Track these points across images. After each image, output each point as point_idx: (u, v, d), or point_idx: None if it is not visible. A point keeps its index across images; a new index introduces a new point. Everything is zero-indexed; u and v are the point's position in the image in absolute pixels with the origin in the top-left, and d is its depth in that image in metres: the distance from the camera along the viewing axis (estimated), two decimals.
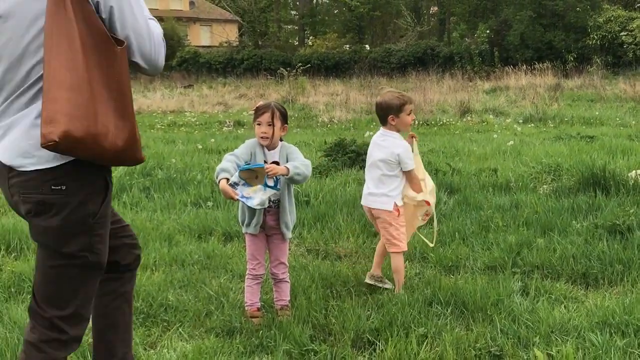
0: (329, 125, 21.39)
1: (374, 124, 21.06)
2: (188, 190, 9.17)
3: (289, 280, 5.31)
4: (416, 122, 20.31)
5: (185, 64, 53.64)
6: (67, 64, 2.92)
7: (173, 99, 32.71)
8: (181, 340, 4.85)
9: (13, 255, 6.55)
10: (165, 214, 8.18)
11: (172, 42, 55.07)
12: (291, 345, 4.59)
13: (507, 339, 4.57)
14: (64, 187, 3.07)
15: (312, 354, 4.54)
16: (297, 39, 64.40)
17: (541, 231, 6.86)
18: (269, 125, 4.93)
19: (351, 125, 21.10)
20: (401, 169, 5.51)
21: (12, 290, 5.67)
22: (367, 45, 56.83)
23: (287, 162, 5.00)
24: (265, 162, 4.94)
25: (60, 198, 3.08)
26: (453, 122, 20.60)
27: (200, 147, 13.44)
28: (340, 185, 9.36)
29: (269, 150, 5.02)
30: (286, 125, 5.02)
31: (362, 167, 10.30)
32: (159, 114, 26.36)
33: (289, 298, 5.28)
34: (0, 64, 3.09)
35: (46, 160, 3.04)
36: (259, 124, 4.95)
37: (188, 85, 41.49)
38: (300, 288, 5.54)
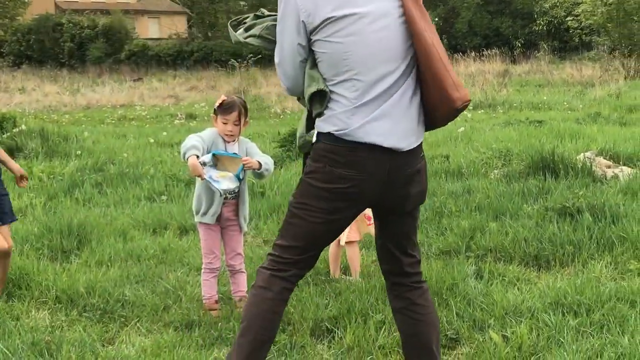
0: (281, 116, 21.40)
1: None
2: (141, 184, 9.11)
3: (245, 271, 5.33)
4: None
5: (134, 57, 53.02)
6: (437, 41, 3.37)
7: (122, 92, 32.42)
8: (139, 335, 4.84)
9: None
10: (118, 209, 8.12)
11: (120, 35, 54.60)
12: None
13: (463, 322, 4.64)
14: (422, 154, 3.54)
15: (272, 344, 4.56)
16: None
17: (493, 215, 6.95)
18: (236, 124, 4.96)
19: None
20: None
21: None
22: None
23: (246, 155, 5.03)
24: (235, 153, 4.97)
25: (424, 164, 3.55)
26: None
27: (152, 140, 13.36)
28: (295, 175, 9.36)
29: (228, 142, 5.04)
30: (247, 120, 5.06)
31: None
32: (109, 108, 26.13)
33: (246, 289, 5.29)
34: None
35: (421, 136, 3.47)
36: (225, 123, 4.95)
37: (137, 79, 41.09)
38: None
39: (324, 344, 4.57)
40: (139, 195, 8.68)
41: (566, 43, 41.72)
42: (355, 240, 5.65)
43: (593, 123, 13.94)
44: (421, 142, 3.47)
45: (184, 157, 4.81)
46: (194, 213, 5.17)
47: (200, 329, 4.84)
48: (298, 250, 3.53)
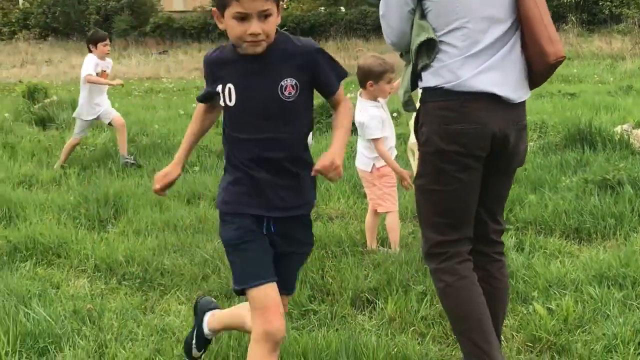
0: None
1: (353, 86, 20.99)
2: (173, 155, 9.06)
3: None
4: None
5: (158, 30, 52.86)
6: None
7: (149, 65, 32.46)
8: (179, 303, 4.84)
9: (2, 223, 6.49)
10: (152, 180, 8.10)
11: (145, 7, 54.46)
12: (291, 306, 4.59)
13: None
14: None
15: (312, 313, 4.55)
16: None
17: (532, 188, 6.86)
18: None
19: None
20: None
21: (5, 258, 5.62)
22: (342, 8, 56.40)
23: None
24: None
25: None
26: None
27: (182, 112, 13.34)
28: (326, 147, 9.29)
29: None
30: None
31: None
32: (136, 80, 26.12)
33: None
34: None
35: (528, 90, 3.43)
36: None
37: (163, 51, 41.12)
38: None
39: (364, 315, 4.55)
40: None
41: (595, 15, 41.08)
42: (393, 211, 5.61)
43: (625, 96, 13.74)
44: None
45: None
46: None
47: (239, 299, 4.81)
48: (452, 228, 3.45)
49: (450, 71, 3.27)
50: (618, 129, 8.67)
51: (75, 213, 6.67)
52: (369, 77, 5.46)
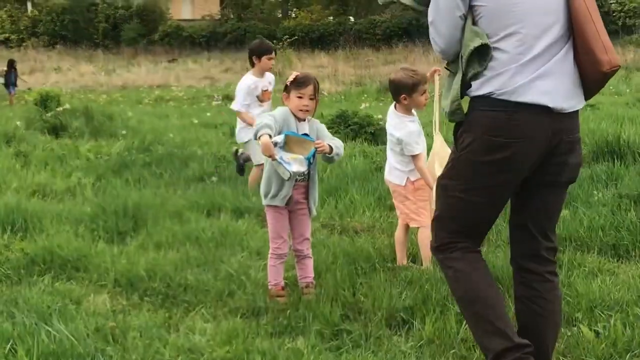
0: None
1: (365, 95, 20.90)
2: (190, 165, 8.93)
3: (312, 256, 5.11)
4: None
5: (167, 38, 52.86)
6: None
7: (158, 73, 32.47)
8: (205, 321, 4.63)
9: (19, 235, 6.29)
10: (169, 190, 7.94)
11: (154, 16, 54.44)
12: (322, 325, 4.40)
13: None
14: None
15: (345, 334, 4.34)
16: (280, 11, 63.72)
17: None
18: (311, 99, 4.77)
19: (342, 97, 20.93)
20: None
21: (22, 271, 5.44)
22: (351, 17, 56.30)
23: (316, 137, 4.82)
24: (306, 134, 4.77)
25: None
26: None
27: (195, 121, 13.18)
28: (347, 158, 9.13)
29: (300, 122, 4.83)
30: (318, 97, 4.87)
31: (366, 139, 10.15)
32: (145, 88, 26.11)
33: (313, 275, 5.08)
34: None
35: (582, 99, 3.33)
36: (300, 97, 4.74)
37: (172, 60, 41.14)
38: (323, 265, 5.33)
39: (400, 336, 4.34)
40: (189, 176, 8.50)
41: (607, 26, 40.92)
42: (427, 225, 5.40)
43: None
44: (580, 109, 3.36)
45: (256, 136, 4.58)
46: (263, 196, 4.95)
47: (268, 316, 4.63)
48: (465, 235, 3.45)
49: (502, 78, 3.18)
50: None
51: (93, 225, 6.48)
52: (402, 91, 5.30)
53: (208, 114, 14.59)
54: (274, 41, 31.60)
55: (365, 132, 10.12)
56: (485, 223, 3.49)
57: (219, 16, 58.41)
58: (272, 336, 4.36)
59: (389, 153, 5.54)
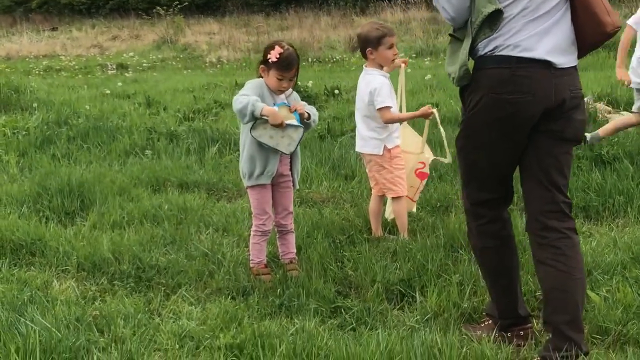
0: (218, 66, 20.77)
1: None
2: (119, 138, 8.49)
3: (294, 231, 4.91)
4: (309, 60, 19.94)
5: (45, 6, 50.78)
6: None
7: (42, 42, 31.10)
8: (190, 304, 4.37)
9: None
10: (103, 166, 7.52)
11: None
12: (318, 303, 4.21)
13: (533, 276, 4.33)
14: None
15: (343, 310, 4.17)
16: None
17: None
18: (291, 80, 4.58)
19: (243, 64, 20.53)
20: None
21: None
22: None
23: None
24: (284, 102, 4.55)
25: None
26: (346, 59, 20.35)
27: (107, 92, 12.60)
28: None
29: (277, 95, 4.60)
30: None
31: None
32: (32, 59, 24.96)
33: (295, 250, 4.88)
34: None
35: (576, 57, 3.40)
36: (280, 79, 4.50)
37: (53, 28, 39.50)
38: (298, 239, 5.11)
39: (402, 310, 4.20)
40: (120, 150, 8.08)
41: None
42: (403, 195, 5.27)
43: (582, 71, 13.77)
44: (576, 66, 3.43)
45: (250, 114, 4.33)
46: (246, 176, 4.67)
47: (255, 295, 4.40)
48: (489, 187, 3.53)
49: (506, 36, 3.26)
50: (586, 99, 8.58)
51: (37, 205, 6.04)
52: (368, 45, 5.16)
53: (119, 84, 13.99)
54: (165, 7, 30.84)
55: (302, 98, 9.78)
56: (504, 179, 3.54)
57: None
58: (267, 317, 4.15)
59: (360, 124, 5.34)
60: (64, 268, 4.93)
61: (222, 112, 10.49)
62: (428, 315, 4.03)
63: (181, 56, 23.95)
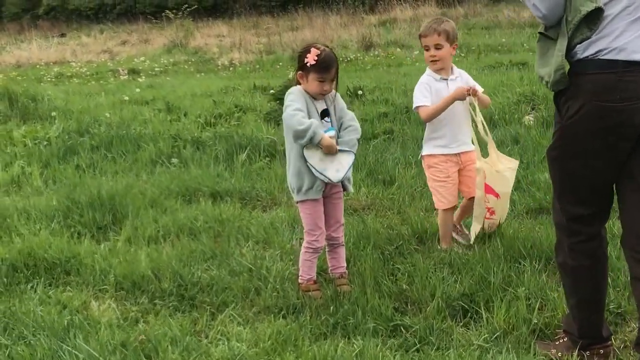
0: (231, 68, 20.51)
1: (280, 63, 20.33)
2: (142, 147, 8.25)
3: (344, 244, 4.66)
4: None
5: (52, 12, 50.70)
6: None
7: (51, 49, 30.86)
8: (238, 324, 4.12)
9: None
10: (130, 176, 7.28)
11: None
12: (377, 321, 3.96)
13: (623, 294, 4.08)
14: None
15: (403, 329, 3.91)
16: None
17: None
18: (332, 81, 4.33)
19: (257, 66, 20.29)
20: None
21: (5, 280, 4.80)
22: None
23: (335, 113, 4.45)
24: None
25: None
26: (360, 58, 20.07)
27: (126, 98, 12.36)
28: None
29: (316, 100, 4.36)
30: None
31: None
32: (42, 66, 24.75)
33: (345, 264, 4.63)
34: None
35: None
36: (321, 81, 4.25)
37: (61, 35, 39.35)
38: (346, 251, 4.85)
39: (467, 328, 3.94)
40: (146, 159, 7.84)
41: None
42: (439, 208, 5.03)
43: None
44: None
45: (309, 140, 4.13)
46: (294, 191, 4.41)
47: (306, 314, 4.15)
48: (587, 202, 3.28)
49: (608, 39, 2.98)
50: None
51: (68, 221, 5.80)
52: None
53: (137, 90, 13.75)
54: (174, 11, 30.63)
55: None
56: (603, 191, 3.28)
57: None
58: (323, 337, 3.91)
59: None
60: (101, 287, 4.69)
61: (244, 117, 10.23)
62: (497, 333, 3.78)
63: (193, 59, 23.69)
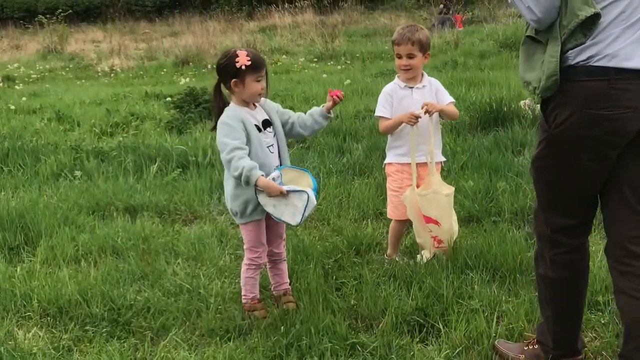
0: (112, 75, 19.94)
1: (165, 70, 19.91)
2: (41, 158, 7.79)
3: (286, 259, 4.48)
4: (208, 66, 19.37)
5: None
6: None
7: None
8: (183, 350, 3.88)
9: None
10: (32, 191, 6.84)
11: None
12: (332, 341, 3.78)
13: None
14: None
15: (359, 348, 3.76)
16: None
17: (489, 173, 6.35)
18: (265, 80, 4.15)
19: (140, 73, 19.81)
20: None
21: None
22: None
23: (280, 118, 4.27)
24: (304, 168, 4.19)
25: None
26: None
27: (12, 107, 11.72)
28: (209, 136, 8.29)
29: (252, 110, 4.16)
30: None
31: None
32: None
33: (289, 280, 4.44)
34: None
35: None
36: (258, 80, 4.05)
37: None
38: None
39: (425, 343, 3.82)
40: (47, 173, 7.40)
41: None
42: (391, 217, 4.93)
43: (452, 70, 13.73)
44: None
45: (246, 179, 3.88)
46: (237, 215, 4.17)
47: (257, 336, 3.94)
48: (571, 213, 3.19)
49: (602, 45, 2.88)
50: (522, 103, 8.46)
51: None
52: None
53: (24, 98, 13.09)
54: (48, 16, 29.55)
55: None
56: (589, 201, 3.19)
57: None
58: (276, 359, 3.71)
59: None
60: (24, 314, 4.34)
61: (142, 126, 9.86)
62: (459, 349, 3.67)
63: (70, 66, 22.90)
